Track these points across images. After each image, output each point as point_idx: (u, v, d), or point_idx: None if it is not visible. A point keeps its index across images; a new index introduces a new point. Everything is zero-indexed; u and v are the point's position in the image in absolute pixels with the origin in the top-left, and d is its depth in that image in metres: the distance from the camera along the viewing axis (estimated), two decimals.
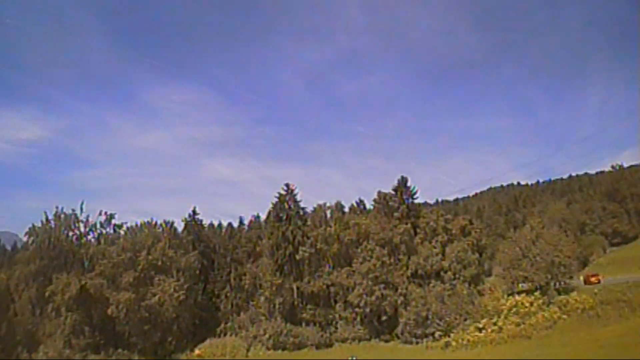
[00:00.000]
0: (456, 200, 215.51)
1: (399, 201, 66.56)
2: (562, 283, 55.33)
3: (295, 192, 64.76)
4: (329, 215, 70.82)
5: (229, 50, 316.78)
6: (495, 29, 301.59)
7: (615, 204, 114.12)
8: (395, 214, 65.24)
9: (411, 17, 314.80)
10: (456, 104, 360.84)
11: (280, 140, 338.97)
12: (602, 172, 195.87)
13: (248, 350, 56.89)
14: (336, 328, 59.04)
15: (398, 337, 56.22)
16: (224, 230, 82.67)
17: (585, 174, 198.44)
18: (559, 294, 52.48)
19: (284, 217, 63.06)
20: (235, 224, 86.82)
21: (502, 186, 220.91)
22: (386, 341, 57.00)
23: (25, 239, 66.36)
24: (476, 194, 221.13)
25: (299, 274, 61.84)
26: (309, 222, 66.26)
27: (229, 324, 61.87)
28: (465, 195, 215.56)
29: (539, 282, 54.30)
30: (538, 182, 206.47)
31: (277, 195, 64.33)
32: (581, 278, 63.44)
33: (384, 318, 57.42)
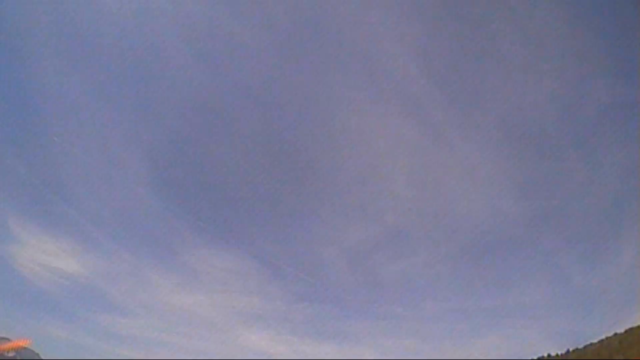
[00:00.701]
0: None
1: None
2: None
3: None
4: None
5: (275, 222, 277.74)
6: (536, 197, 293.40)
7: None
8: None
9: (456, 191, 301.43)
10: (494, 280, 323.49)
11: (317, 317, 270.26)
12: (632, 328, 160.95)
13: None
14: None
15: None
16: None
17: (615, 334, 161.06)
18: None
19: None
20: None
21: None
22: None
23: None
24: None
25: None
26: None
27: None
28: None
29: None
30: (568, 350, 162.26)
31: None
32: None
33: None
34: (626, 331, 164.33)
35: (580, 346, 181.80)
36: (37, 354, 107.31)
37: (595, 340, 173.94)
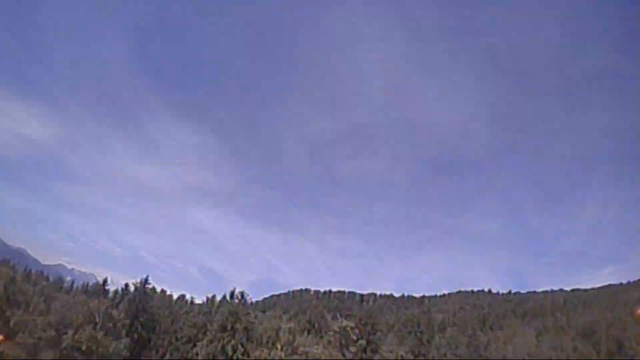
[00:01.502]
0: (422, 297, 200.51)
1: (360, 334, 64.46)
2: None
3: (249, 300, 63.12)
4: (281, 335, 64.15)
5: (243, 103, 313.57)
6: (510, 128, 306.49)
7: (589, 346, 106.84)
8: (352, 348, 62.99)
9: (430, 104, 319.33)
10: (448, 200, 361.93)
11: (267, 201, 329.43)
12: (578, 289, 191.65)
13: None
14: None
15: None
16: (173, 304, 78.46)
17: (561, 290, 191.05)
18: None
19: (229, 328, 58.32)
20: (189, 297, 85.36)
21: (472, 291, 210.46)
22: None
23: None
24: (444, 295, 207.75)
25: None
26: (256, 333, 61.28)
27: None
28: (433, 294, 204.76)
29: None
30: (510, 292, 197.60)
31: (229, 295, 63.15)
32: None
33: None
34: (572, 291, 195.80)
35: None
36: None
37: (538, 290, 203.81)
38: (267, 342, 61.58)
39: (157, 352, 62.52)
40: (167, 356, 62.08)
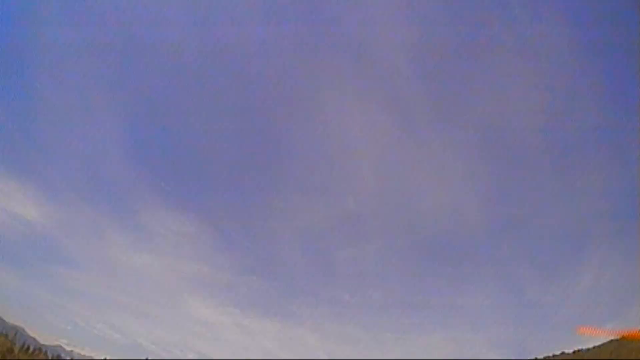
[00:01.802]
0: None
1: None
2: None
3: None
4: None
5: (235, 192, 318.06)
6: (501, 203, 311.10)
7: None
8: None
9: (421, 187, 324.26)
10: (445, 281, 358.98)
11: (263, 292, 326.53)
12: (579, 350, 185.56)
13: None
14: None
15: None
16: None
17: (563, 352, 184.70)
18: None
19: None
20: None
21: None
22: None
23: None
24: None
25: None
26: None
27: None
28: None
29: None
30: None
31: None
32: None
33: None
34: (574, 352, 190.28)
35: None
36: None
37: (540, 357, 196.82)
38: None
39: None
40: None
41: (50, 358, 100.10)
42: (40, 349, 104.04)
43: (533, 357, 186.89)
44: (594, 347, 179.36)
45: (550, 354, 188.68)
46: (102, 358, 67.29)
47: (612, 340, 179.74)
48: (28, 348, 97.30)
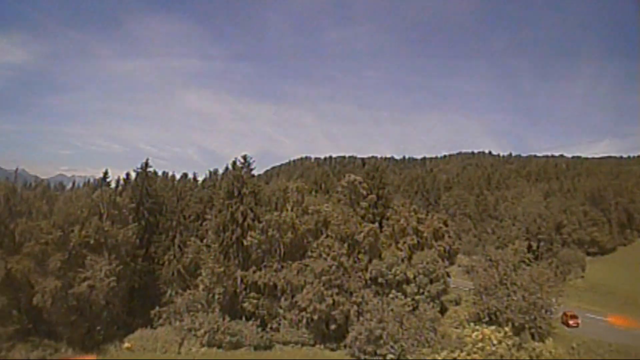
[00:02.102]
0: (423, 159, 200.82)
1: (369, 189, 61.45)
2: (539, 328, 50.25)
3: (253, 165, 57.88)
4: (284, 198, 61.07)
5: None
6: None
7: (598, 211, 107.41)
8: (363, 203, 60.19)
9: None
10: (439, 63, 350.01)
11: (256, 77, 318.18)
12: (579, 157, 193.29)
13: (181, 345, 50.91)
14: (279, 326, 53.00)
15: (346, 347, 50.57)
16: (177, 184, 75.07)
17: (562, 156, 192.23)
18: (533, 338, 47.44)
19: (236, 194, 55.68)
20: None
21: (472, 153, 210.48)
22: (332, 349, 51.60)
23: None
24: (445, 157, 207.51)
25: (244, 262, 55.39)
26: (263, 203, 59.29)
27: (164, 309, 55.18)
28: (434, 156, 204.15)
29: (513, 320, 49.64)
30: (511, 154, 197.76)
31: (232, 164, 57.83)
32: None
33: (332, 326, 51.43)
34: (573, 158, 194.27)
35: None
36: None
37: (539, 154, 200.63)
38: (276, 203, 59.54)
39: (166, 235, 60.44)
40: (177, 237, 60.04)
41: (52, 188, 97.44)
42: (42, 182, 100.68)
43: (533, 154, 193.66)
44: (592, 158, 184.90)
45: (549, 154, 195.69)
46: (104, 171, 64.59)
47: (610, 156, 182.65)
48: (30, 185, 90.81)
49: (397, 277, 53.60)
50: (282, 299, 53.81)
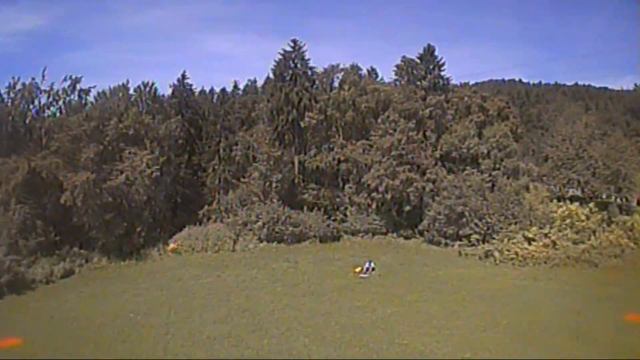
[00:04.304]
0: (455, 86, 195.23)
1: (425, 70, 54.28)
2: (624, 200, 47.95)
3: (304, 49, 52.14)
4: (340, 79, 56.60)
5: None
6: None
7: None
8: (422, 83, 53.66)
9: None
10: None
11: (283, 15, 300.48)
12: (606, 88, 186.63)
13: (235, 242, 46.05)
14: (345, 216, 48.68)
15: (422, 235, 46.61)
16: (216, 96, 67.89)
17: (589, 85, 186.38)
18: (620, 212, 44.28)
19: (289, 77, 51.56)
20: (229, 90, 70.35)
21: (503, 80, 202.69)
22: (406, 238, 47.33)
23: None
24: (476, 84, 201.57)
25: (302, 146, 51.41)
26: (317, 85, 54.59)
27: (213, 206, 49.96)
28: (465, 82, 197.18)
29: (596, 192, 48.04)
30: (540, 82, 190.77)
31: (281, 51, 51.99)
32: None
33: (406, 208, 47.33)
34: (599, 88, 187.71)
35: None
36: None
37: (569, 83, 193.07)
38: (331, 84, 55.58)
39: (210, 143, 55.88)
40: (222, 142, 55.13)
41: None
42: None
43: (561, 82, 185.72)
44: (620, 90, 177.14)
45: (578, 82, 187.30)
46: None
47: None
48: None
49: (471, 151, 49.23)
50: (347, 185, 49.60)
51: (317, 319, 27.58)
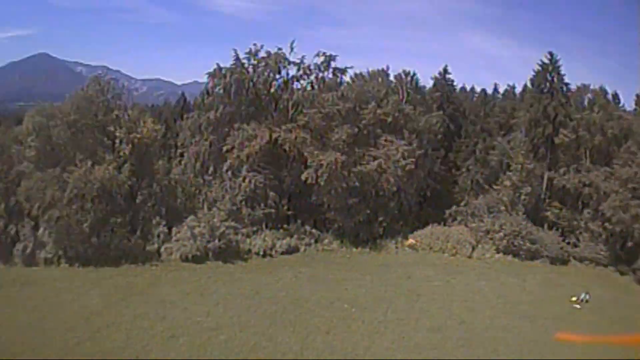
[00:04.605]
0: None
1: None
2: None
3: (559, 63, 50.49)
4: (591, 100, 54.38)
5: None
6: None
7: None
8: None
9: None
10: None
11: (539, 23, 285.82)
12: None
13: (474, 248, 45.47)
14: (578, 240, 46.89)
15: (634, 273, 42.99)
16: (476, 96, 67.58)
17: None
18: None
19: (546, 90, 50.22)
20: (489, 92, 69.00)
21: None
22: (622, 273, 44.49)
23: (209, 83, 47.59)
24: None
25: (553, 162, 50.37)
26: (571, 103, 51.89)
27: (461, 207, 50.74)
28: None
29: None
30: None
31: (540, 63, 50.76)
32: None
33: (629, 244, 44.15)
34: None
35: None
36: None
37: None
38: (584, 104, 53.15)
39: (468, 142, 55.62)
40: (480, 144, 54.80)
41: None
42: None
43: None
44: None
45: None
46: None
47: None
48: None
49: None
50: (586, 210, 48.08)
51: (526, 346, 25.84)
